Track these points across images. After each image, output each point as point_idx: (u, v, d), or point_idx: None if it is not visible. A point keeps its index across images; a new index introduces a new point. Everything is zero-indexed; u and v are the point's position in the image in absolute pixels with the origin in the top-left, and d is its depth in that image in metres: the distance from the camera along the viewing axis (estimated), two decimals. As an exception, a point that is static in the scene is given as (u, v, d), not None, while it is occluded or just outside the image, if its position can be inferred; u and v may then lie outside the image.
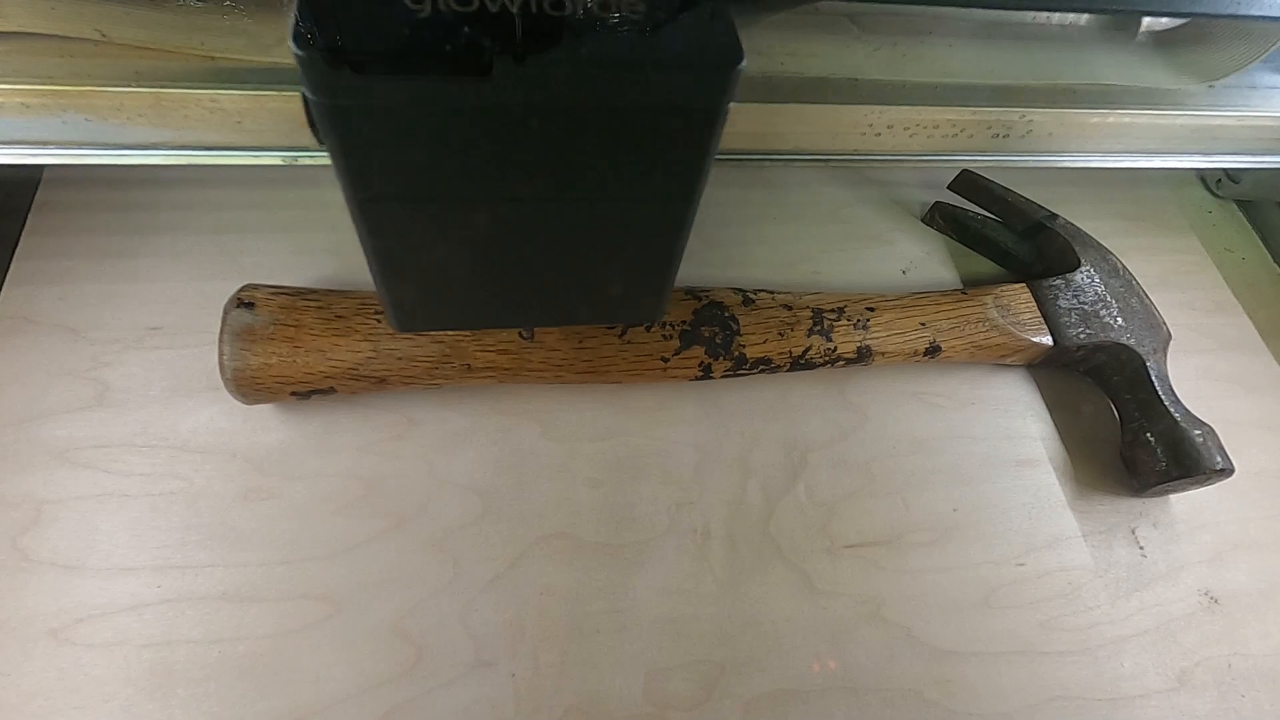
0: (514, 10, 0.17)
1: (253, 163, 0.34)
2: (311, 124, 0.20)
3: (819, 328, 0.42)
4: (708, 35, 0.19)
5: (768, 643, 0.36)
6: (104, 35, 0.31)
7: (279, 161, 0.35)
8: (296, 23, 0.17)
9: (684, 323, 0.40)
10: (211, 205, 0.46)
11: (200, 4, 0.32)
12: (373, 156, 0.21)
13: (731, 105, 0.21)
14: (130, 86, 0.31)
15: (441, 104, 0.19)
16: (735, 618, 0.37)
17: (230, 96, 0.32)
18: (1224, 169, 0.59)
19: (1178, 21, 0.43)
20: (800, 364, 0.42)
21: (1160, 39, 0.43)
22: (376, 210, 0.23)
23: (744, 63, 0.19)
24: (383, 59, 0.17)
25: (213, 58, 0.32)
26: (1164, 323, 0.45)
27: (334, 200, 0.48)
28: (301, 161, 0.35)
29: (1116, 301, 0.45)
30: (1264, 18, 0.28)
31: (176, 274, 0.43)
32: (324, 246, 0.46)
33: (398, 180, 0.22)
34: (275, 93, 0.32)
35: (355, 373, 0.37)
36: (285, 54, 0.32)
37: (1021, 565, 0.40)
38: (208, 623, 0.34)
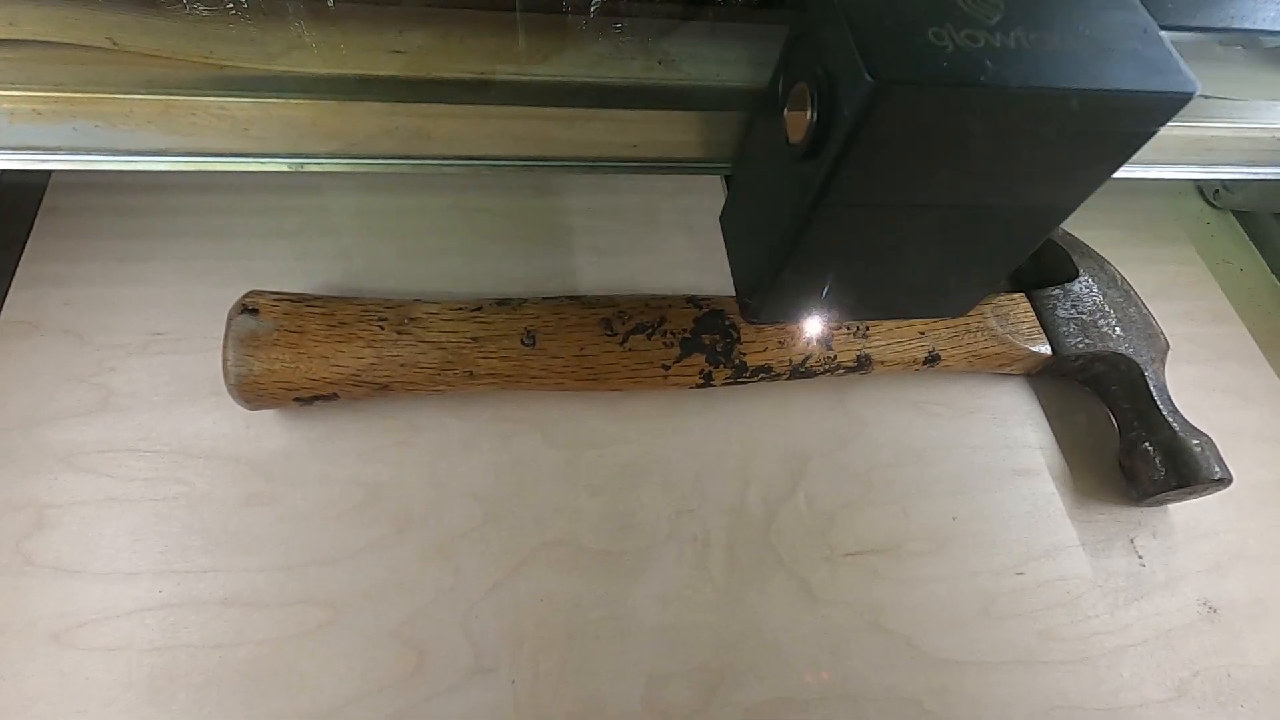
0: (1012, 45, 0.21)
1: (259, 169, 0.35)
2: (814, 140, 0.23)
3: (819, 336, 0.42)
4: (1160, 65, 0.22)
5: (767, 651, 0.36)
6: (115, 43, 0.31)
7: (285, 168, 0.35)
8: (861, 59, 0.20)
9: (685, 330, 0.40)
10: (216, 211, 0.47)
11: (209, 13, 0.32)
12: (866, 168, 0.23)
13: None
14: (140, 94, 0.31)
15: (951, 122, 0.22)
16: (735, 625, 0.37)
17: (238, 104, 0.32)
18: (1221, 180, 0.59)
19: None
20: (800, 372, 0.42)
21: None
22: (833, 214, 0.25)
23: (1199, 89, 0.22)
24: (929, 85, 0.21)
25: (221, 66, 0.32)
26: (1162, 332, 0.45)
27: (338, 207, 0.48)
28: (307, 168, 0.36)
29: (1115, 311, 0.45)
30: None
31: (181, 279, 0.44)
32: (328, 253, 0.46)
33: (874, 187, 0.24)
34: (282, 100, 0.33)
35: (358, 379, 0.37)
36: (291, 63, 0.33)
37: (1020, 574, 0.40)
38: (209, 628, 0.34)
